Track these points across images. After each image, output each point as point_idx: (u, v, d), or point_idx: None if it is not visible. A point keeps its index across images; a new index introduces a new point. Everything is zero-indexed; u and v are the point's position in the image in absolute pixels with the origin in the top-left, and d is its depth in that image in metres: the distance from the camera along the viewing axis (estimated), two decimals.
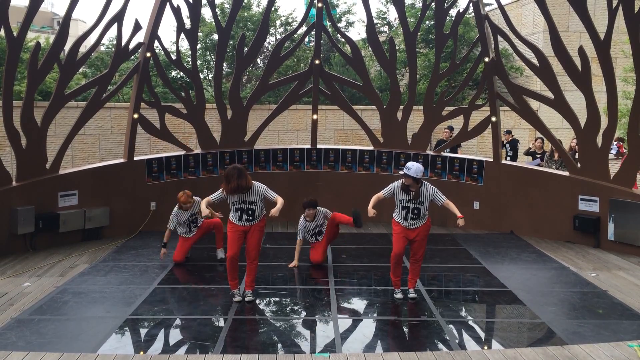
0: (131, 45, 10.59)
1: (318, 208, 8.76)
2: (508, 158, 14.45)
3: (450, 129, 14.63)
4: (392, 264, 7.30)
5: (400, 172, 7.09)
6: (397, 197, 7.14)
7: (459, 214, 7.05)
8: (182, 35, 11.30)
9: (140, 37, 10.89)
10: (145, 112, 11.45)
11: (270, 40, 20.77)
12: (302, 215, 8.79)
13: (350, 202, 11.23)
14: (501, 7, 11.34)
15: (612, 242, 9.84)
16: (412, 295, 7.29)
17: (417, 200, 7.04)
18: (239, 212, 7.01)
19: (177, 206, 8.71)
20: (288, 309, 7.40)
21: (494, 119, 11.46)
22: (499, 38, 11.17)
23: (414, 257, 7.31)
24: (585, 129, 10.25)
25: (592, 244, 10.10)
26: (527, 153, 14.20)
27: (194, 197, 8.74)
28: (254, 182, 7.05)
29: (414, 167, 6.93)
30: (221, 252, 8.97)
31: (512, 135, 15.08)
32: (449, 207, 7.14)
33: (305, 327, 6.66)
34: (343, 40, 14.96)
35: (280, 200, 6.99)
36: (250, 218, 7.03)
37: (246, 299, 7.16)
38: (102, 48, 21.32)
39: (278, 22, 21.40)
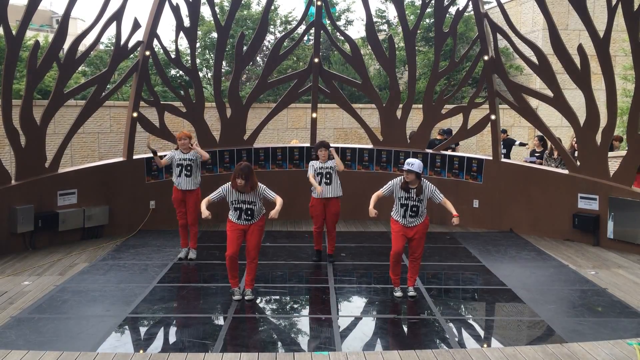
0: (130, 44, 10.58)
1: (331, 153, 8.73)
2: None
3: (442, 132, 14.47)
4: (391, 263, 7.30)
5: (403, 168, 7.08)
6: (396, 195, 7.14)
7: (454, 212, 7.05)
8: (182, 34, 11.29)
9: (139, 35, 10.90)
10: (144, 110, 11.45)
11: (270, 38, 20.76)
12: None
13: (350, 201, 11.25)
14: (500, 5, 11.33)
15: (612, 240, 9.85)
16: (411, 293, 7.30)
17: (418, 198, 7.04)
18: (238, 211, 7.02)
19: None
20: (288, 307, 7.40)
21: (493, 117, 11.45)
22: (499, 36, 11.16)
23: (412, 256, 7.32)
24: (584, 127, 10.24)
25: (591, 242, 10.10)
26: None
27: (194, 143, 9.00)
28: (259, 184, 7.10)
29: (416, 163, 6.98)
30: (192, 252, 9.04)
31: (507, 135, 15.06)
32: (445, 205, 7.15)
33: (304, 326, 6.67)
34: (342, 38, 14.95)
35: (279, 201, 6.98)
36: (249, 217, 7.03)
37: (246, 297, 7.16)
38: (101, 46, 21.29)
39: (278, 21, 21.38)
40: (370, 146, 12.26)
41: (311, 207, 8.83)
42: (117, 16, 10.19)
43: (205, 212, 6.86)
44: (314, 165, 8.76)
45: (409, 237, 7.18)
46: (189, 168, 8.87)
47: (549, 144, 11.88)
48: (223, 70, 16.50)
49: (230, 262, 7.09)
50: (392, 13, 24.28)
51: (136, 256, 9.14)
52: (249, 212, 7.01)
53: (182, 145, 8.92)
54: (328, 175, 8.69)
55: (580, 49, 10.10)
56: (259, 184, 7.08)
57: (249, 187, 6.91)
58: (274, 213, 6.86)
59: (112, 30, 29.63)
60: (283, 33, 16.39)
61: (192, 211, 8.82)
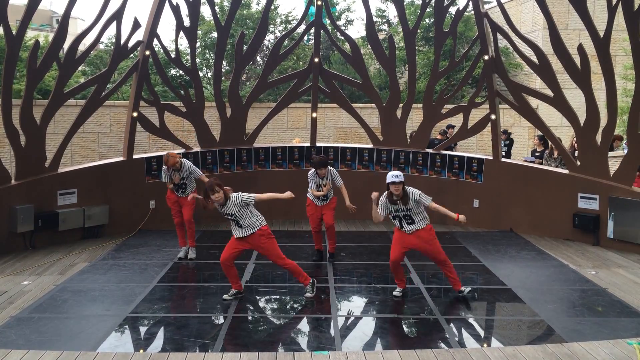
0: (130, 44, 10.58)
1: (329, 168, 8.76)
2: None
3: (443, 132, 14.55)
4: (391, 271, 7.35)
5: (391, 182, 6.98)
6: (387, 209, 7.15)
7: (454, 215, 7.09)
8: (182, 34, 11.29)
9: (139, 35, 10.91)
10: (144, 110, 11.45)
11: (270, 38, 20.78)
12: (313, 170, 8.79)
13: (350, 201, 11.24)
14: (500, 5, 11.33)
15: (612, 240, 9.84)
16: (464, 293, 7.34)
17: (405, 207, 7.01)
18: (233, 222, 7.03)
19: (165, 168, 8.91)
20: (288, 307, 7.40)
21: (493, 117, 11.45)
22: (499, 36, 11.16)
23: (438, 264, 7.31)
24: (584, 126, 10.24)
25: (591, 241, 10.10)
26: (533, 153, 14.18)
27: (181, 158, 8.90)
28: (231, 194, 6.90)
29: (399, 174, 6.99)
30: (192, 251, 9.05)
31: (506, 136, 15.05)
32: (439, 210, 7.12)
33: (304, 325, 6.67)
34: (342, 38, 14.95)
35: (266, 195, 7.11)
36: (243, 225, 6.97)
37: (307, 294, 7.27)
38: (101, 46, 21.31)
39: (278, 20, 21.39)
40: (370, 146, 12.26)
41: (308, 207, 8.93)
42: (117, 16, 10.20)
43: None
44: (314, 180, 8.80)
45: (413, 247, 7.19)
46: (183, 186, 8.92)
47: (550, 143, 11.88)
48: (223, 70, 16.49)
49: (223, 268, 7.13)
50: (392, 13, 24.32)
51: (136, 256, 9.14)
52: (240, 224, 6.97)
53: (172, 167, 8.81)
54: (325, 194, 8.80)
55: (581, 48, 10.09)
56: (235, 194, 6.90)
57: (224, 194, 6.84)
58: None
59: (112, 29, 29.65)
60: (283, 33, 16.39)
61: (188, 204, 8.83)
